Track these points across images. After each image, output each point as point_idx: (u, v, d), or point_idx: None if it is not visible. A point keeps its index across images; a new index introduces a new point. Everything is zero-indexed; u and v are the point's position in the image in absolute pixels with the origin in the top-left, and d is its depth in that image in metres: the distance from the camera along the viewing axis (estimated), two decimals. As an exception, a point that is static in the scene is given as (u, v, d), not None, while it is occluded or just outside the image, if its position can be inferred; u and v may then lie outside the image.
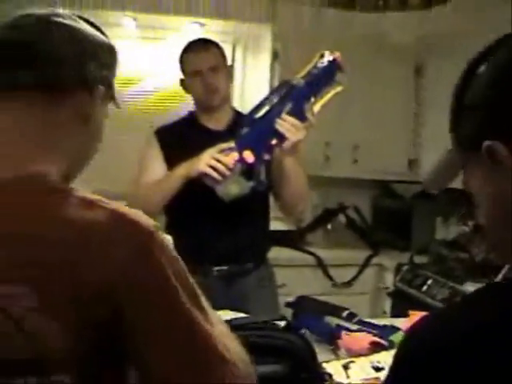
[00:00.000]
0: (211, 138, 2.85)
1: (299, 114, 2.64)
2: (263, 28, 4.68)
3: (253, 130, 2.68)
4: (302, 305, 2.86)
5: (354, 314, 2.73)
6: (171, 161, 2.87)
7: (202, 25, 4.60)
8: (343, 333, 2.53)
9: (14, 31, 1.22)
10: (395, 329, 2.61)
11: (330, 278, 4.41)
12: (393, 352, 2.25)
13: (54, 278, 1.05)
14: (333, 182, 4.84)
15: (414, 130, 4.74)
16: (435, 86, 4.54)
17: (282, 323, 2.12)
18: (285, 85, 2.72)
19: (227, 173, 2.61)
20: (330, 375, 2.17)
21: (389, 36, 4.51)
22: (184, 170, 2.70)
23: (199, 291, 1.16)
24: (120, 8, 4.47)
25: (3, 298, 1.03)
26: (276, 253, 4.44)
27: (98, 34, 1.29)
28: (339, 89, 2.72)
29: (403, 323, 2.76)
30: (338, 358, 2.37)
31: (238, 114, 3.10)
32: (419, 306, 3.44)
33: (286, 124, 2.61)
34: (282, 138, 2.64)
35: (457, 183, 3.67)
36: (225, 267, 2.90)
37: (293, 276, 4.22)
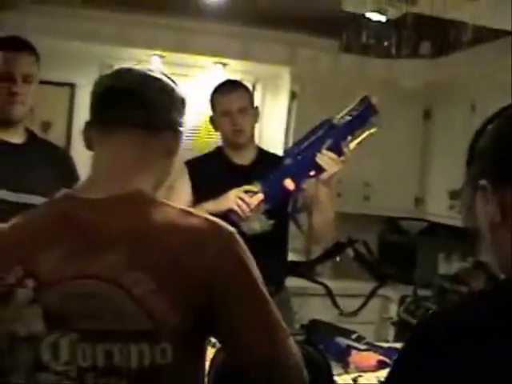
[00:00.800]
0: (237, 173, 3.14)
1: (337, 150, 2.93)
2: (282, 70, 4.98)
3: (295, 161, 2.95)
4: (315, 327, 3.11)
5: (362, 336, 2.98)
6: (198, 191, 3.13)
7: (225, 65, 4.90)
8: (353, 351, 2.78)
9: (121, 81, 1.53)
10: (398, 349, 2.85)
11: (338, 307, 4.66)
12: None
13: (167, 269, 1.35)
14: (343, 217, 5.09)
15: (421, 171, 5.01)
16: (442, 129, 4.82)
17: (301, 337, 2.35)
18: (326, 123, 3.02)
19: (250, 213, 2.89)
20: (341, 387, 2.42)
21: (400, 81, 4.81)
22: (212, 205, 2.93)
23: None
24: (149, 46, 4.78)
25: (128, 282, 1.33)
26: (287, 282, 4.72)
27: (177, 87, 1.60)
28: (373, 130, 3.02)
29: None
30: (347, 372, 2.63)
31: (261, 151, 3.35)
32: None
33: (326, 157, 2.89)
34: (319, 170, 2.93)
35: (458, 221, 3.92)
36: None
37: (303, 304, 4.46)
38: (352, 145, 2.97)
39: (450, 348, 1.02)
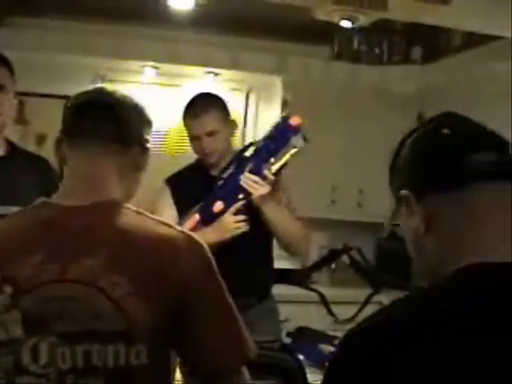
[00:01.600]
0: (213, 183, 3.14)
1: (259, 172, 2.95)
2: (274, 79, 4.99)
3: (224, 185, 3.03)
4: (301, 334, 3.11)
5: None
6: (180, 206, 3.14)
7: (217, 74, 4.92)
8: (334, 359, 2.77)
9: (96, 97, 1.62)
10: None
11: (332, 314, 4.65)
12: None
13: (145, 275, 1.42)
14: (338, 225, 5.11)
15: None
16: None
17: (276, 345, 2.36)
18: (251, 145, 3.08)
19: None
20: (320, 394, 2.41)
21: (392, 87, 4.81)
22: (213, 235, 2.96)
23: None
24: (142, 58, 4.81)
25: (106, 284, 1.39)
26: (282, 290, 4.71)
27: (145, 109, 1.69)
28: (293, 151, 2.99)
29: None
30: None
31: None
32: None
33: (248, 181, 2.94)
34: (247, 193, 2.98)
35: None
36: None
37: (297, 312, 4.45)
38: (274, 167, 2.98)
39: (404, 347, 1.01)
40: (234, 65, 4.82)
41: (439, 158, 1.16)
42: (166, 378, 1.53)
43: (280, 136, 2.97)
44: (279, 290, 4.62)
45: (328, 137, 4.83)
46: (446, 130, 1.19)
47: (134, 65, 4.92)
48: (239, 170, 2.99)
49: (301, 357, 2.80)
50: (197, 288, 1.47)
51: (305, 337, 3.06)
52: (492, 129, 1.22)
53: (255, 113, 5.31)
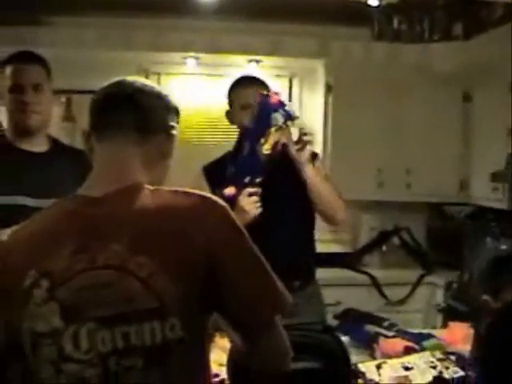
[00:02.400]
0: None
1: (253, 155, 2.91)
2: (316, 63, 4.98)
3: (232, 170, 3.00)
4: (347, 316, 3.12)
5: (394, 324, 2.97)
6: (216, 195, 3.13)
7: (258, 61, 4.93)
8: (380, 339, 2.78)
9: (118, 88, 1.64)
10: (429, 336, 2.85)
11: (384, 296, 4.64)
12: (423, 354, 2.52)
13: (168, 249, 1.45)
14: (387, 206, 5.08)
15: (464, 154, 4.93)
16: (483, 110, 4.74)
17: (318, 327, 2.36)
18: (245, 128, 3.03)
19: None
20: (363, 373, 2.42)
21: (435, 65, 4.75)
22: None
23: None
24: (183, 49, 4.85)
25: (133, 266, 1.43)
26: (333, 273, 4.73)
27: (171, 97, 1.71)
28: (274, 129, 2.88)
29: (442, 333, 3.00)
30: (373, 359, 2.63)
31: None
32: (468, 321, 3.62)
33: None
34: (253, 174, 2.94)
35: (503, 204, 3.89)
36: None
37: (349, 295, 4.47)
38: (266, 147, 2.90)
39: None
40: (275, 51, 4.82)
41: None
42: (202, 351, 1.56)
43: (261, 115, 2.90)
44: (330, 273, 4.66)
45: (372, 118, 4.82)
46: None
47: (176, 56, 4.95)
48: (240, 154, 2.97)
49: (347, 338, 2.84)
50: (223, 248, 1.49)
51: (351, 318, 3.07)
52: None
53: (299, 98, 5.30)
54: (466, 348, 2.59)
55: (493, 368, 1.21)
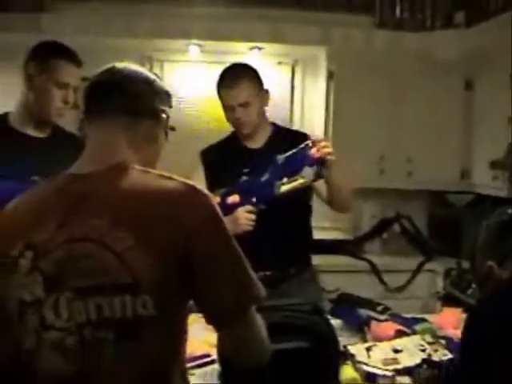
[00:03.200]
0: (248, 157, 3.18)
1: (270, 186, 2.94)
2: (318, 50, 4.99)
3: (246, 182, 3.03)
4: (342, 300, 3.15)
5: (387, 307, 3.00)
6: (213, 179, 3.15)
7: (260, 48, 4.94)
8: (372, 322, 2.81)
9: (107, 75, 1.71)
10: (421, 320, 2.87)
11: (384, 283, 4.66)
12: (413, 337, 2.55)
13: (147, 227, 1.49)
14: (388, 194, 5.10)
15: (465, 142, 4.94)
16: (484, 99, 4.75)
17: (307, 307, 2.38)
18: (272, 158, 2.99)
19: None
20: (353, 355, 2.45)
21: (437, 53, 4.76)
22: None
23: None
24: (185, 36, 4.87)
25: (111, 240, 1.48)
26: (334, 260, 4.76)
27: (160, 81, 1.77)
28: (301, 181, 2.90)
29: (435, 317, 3.02)
30: (364, 342, 2.65)
31: (276, 128, 3.34)
32: (466, 308, 3.64)
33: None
34: (261, 199, 2.98)
35: (503, 192, 3.88)
36: (268, 273, 3.04)
37: (349, 281, 4.49)
38: (284, 187, 2.92)
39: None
40: (277, 38, 4.82)
41: None
42: (177, 331, 1.58)
43: (296, 161, 2.91)
44: (331, 260, 4.70)
45: (374, 106, 4.83)
46: None
47: (179, 43, 4.97)
48: (259, 175, 2.99)
49: (340, 321, 2.88)
50: (202, 236, 1.52)
51: (345, 302, 3.09)
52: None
53: (302, 85, 5.32)
54: (457, 332, 2.61)
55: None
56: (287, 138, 3.24)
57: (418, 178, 4.91)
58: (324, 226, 4.70)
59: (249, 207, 2.97)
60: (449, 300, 4.35)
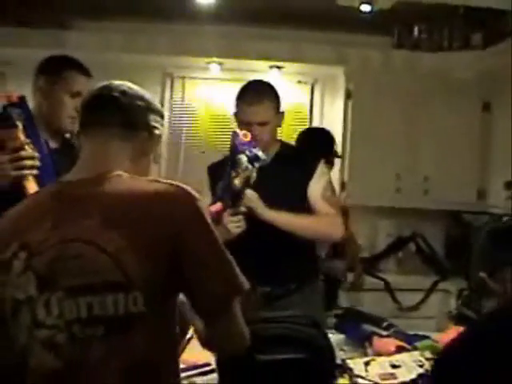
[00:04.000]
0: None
1: (229, 184, 2.94)
2: (337, 70, 5.06)
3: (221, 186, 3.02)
4: (347, 315, 3.18)
5: (392, 324, 3.03)
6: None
7: (280, 67, 5.02)
8: (374, 338, 2.84)
9: (104, 91, 1.79)
10: (424, 337, 2.90)
11: (396, 301, 4.68)
12: (412, 353, 2.57)
13: (137, 228, 1.57)
14: (405, 213, 5.12)
15: (482, 162, 4.96)
16: (501, 119, 4.77)
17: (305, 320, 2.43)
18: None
19: None
20: (351, 369, 2.49)
21: (454, 73, 4.80)
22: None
23: None
24: (206, 54, 4.96)
25: (103, 240, 1.55)
26: (349, 278, 4.79)
27: (154, 100, 1.84)
28: (245, 170, 2.91)
29: (441, 335, 3.04)
30: (364, 356, 2.69)
31: (283, 146, 3.34)
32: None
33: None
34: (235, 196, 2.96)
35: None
36: (267, 288, 3.06)
37: (364, 299, 4.54)
38: (236, 181, 2.91)
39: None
40: (296, 57, 4.91)
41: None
42: (167, 328, 1.66)
43: (232, 152, 2.94)
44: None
45: (391, 125, 4.87)
46: None
47: (200, 61, 5.08)
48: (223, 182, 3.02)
49: (343, 336, 2.92)
50: (189, 234, 1.59)
51: (350, 318, 3.12)
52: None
53: (321, 104, 5.39)
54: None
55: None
56: (292, 155, 3.28)
57: (434, 197, 4.93)
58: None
59: (230, 211, 2.96)
60: (461, 320, 4.34)
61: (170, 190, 1.64)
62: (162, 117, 1.86)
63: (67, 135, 3.12)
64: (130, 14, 4.75)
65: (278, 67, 5.04)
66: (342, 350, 2.78)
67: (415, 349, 2.74)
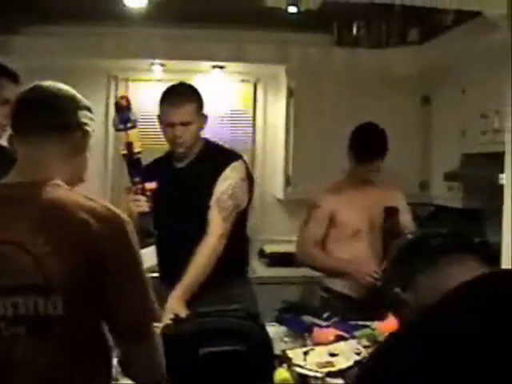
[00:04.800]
0: (172, 175, 3.29)
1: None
2: (278, 68, 5.13)
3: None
4: (289, 308, 3.25)
5: (333, 315, 3.10)
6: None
7: (222, 67, 5.08)
8: (315, 328, 2.91)
9: (32, 93, 1.83)
10: (363, 326, 2.98)
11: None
12: (350, 342, 2.64)
13: (63, 238, 1.63)
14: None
15: (423, 155, 5.08)
16: (440, 113, 4.88)
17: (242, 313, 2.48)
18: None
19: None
20: (290, 359, 2.55)
21: (392, 69, 4.89)
22: None
23: None
24: (149, 56, 5.00)
25: (31, 244, 1.61)
26: (285, 272, 4.88)
27: (81, 96, 1.89)
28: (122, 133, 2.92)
29: (380, 324, 3.11)
30: (304, 346, 2.75)
31: (206, 147, 3.38)
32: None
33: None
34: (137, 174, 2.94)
35: (459, 203, 3.96)
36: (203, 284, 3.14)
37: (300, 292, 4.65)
38: (121, 147, 2.90)
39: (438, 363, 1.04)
40: (238, 57, 4.97)
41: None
42: (87, 334, 1.71)
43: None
44: (283, 272, 4.84)
45: (333, 121, 4.93)
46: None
47: (143, 63, 5.11)
48: None
49: (284, 328, 2.99)
50: (115, 256, 1.66)
51: (292, 310, 3.19)
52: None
53: (264, 103, 5.46)
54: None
55: None
56: (214, 155, 3.33)
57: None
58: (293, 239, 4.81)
59: (133, 189, 2.92)
60: (399, 307, 4.42)
61: (102, 209, 1.69)
62: (90, 110, 1.89)
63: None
64: (73, 18, 4.75)
65: (221, 67, 5.10)
66: (283, 341, 2.84)
67: (353, 338, 2.82)
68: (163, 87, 5.07)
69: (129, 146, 2.93)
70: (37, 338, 1.61)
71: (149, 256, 3.32)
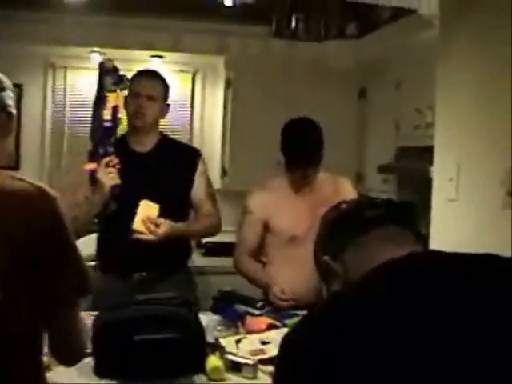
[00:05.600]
0: (135, 160, 3.32)
1: (100, 124, 3.11)
2: (217, 59, 5.15)
3: (91, 145, 3.17)
4: (223, 297, 3.28)
5: (266, 305, 3.15)
6: None
7: (161, 57, 5.07)
8: (248, 317, 2.95)
9: None
10: (295, 315, 3.02)
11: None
12: (282, 330, 2.68)
13: None
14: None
15: (359, 148, 5.16)
16: (375, 106, 4.97)
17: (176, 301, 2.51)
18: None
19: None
20: (223, 347, 2.58)
21: (330, 62, 4.95)
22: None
23: None
24: (87, 44, 4.96)
25: None
26: (224, 262, 4.90)
27: (6, 78, 1.84)
28: (107, 91, 3.08)
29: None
30: (236, 334, 2.79)
31: (164, 139, 3.49)
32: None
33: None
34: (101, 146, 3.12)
35: (393, 195, 4.02)
36: (143, 273, 3.30)
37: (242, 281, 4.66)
38: (105, 111, 3.10)
39: (354, 333, 1.07)
40: (176, 47, 4.97)
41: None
42: (24, 318, 1.70)
43: (97, 81, 3.12)
44: (219, 262, 4.87)
45: (271, 113, 4.95)
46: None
47: (82, 51, 5.07)
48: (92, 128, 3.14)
49: (218, 316, 3.02)
50: (44, 234, 1.65)
51: (226, 299, 3.22)
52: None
53: (202, 93, 5.47)
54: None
55: None
56: (173, 147, 3.47)
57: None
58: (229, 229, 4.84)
59: (103, 162, 3.07)
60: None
61: (30, 188, 1.68)
62: (13, 92, 1.86)
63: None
64: (10, 3, 4.68)
65: (160, 57, 5.09)
66: (216, 330, 2.87)
67: (285, 326, 2.87)
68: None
69: (114, 109, 3.00)
70: None
71: (88, 244, 3.36)
